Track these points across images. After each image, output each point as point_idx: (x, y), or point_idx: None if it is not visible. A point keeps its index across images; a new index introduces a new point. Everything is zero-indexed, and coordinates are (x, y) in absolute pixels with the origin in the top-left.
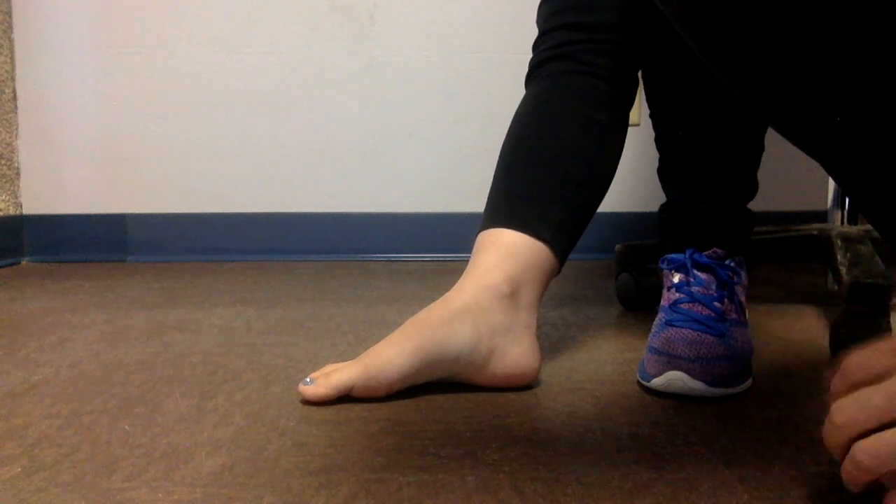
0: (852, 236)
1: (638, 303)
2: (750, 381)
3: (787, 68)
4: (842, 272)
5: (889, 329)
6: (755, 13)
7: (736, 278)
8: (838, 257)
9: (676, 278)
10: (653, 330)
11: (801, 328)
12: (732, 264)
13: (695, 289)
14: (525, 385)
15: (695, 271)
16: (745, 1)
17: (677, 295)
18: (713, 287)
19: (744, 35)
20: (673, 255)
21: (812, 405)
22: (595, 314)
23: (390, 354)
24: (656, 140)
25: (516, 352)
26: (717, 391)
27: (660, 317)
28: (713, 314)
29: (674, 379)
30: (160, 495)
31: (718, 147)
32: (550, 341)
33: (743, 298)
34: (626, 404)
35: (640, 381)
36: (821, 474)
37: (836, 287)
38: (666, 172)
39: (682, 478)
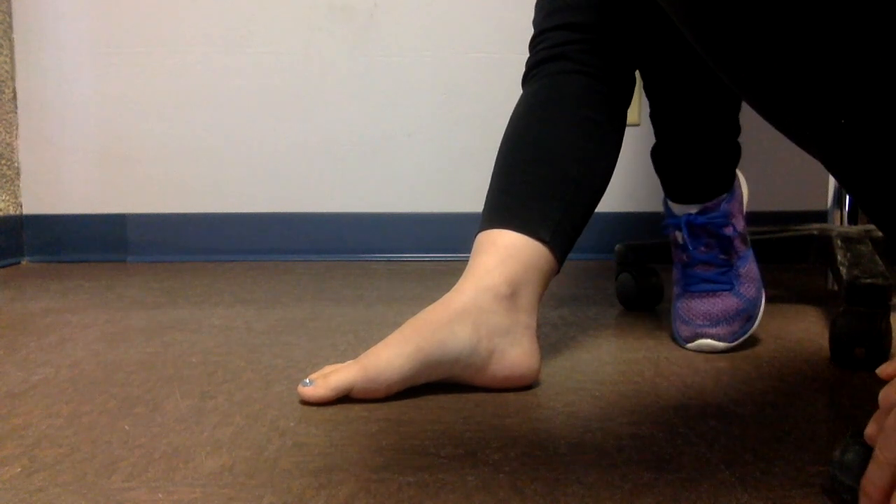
0: (852, 236)
1: (638, 303)
2: (759, 316)
3: (791, 70)
4: (842, 272)
5: (889, 329)
6: (759, 14)
7: (732, 220)
8: (838, 257)
9: (680, 238)
10: (675, 290)
11: (801, 328)
12: (727, 206)
13: (699, 249)
14: (525, 386)
15: (694, 236)
16: (749, 2)
17: (685, 256)
18: (714, 244)
19: (748, 37)
20: (671, 220)
21: (812, 405)
22: (595, 314)
23: (390, 356)
24: (645, 88)
25: (516, 353)
26: (738, 341)
27: (676, 277)
28: (720, 268)
29: (703, 344)
30: (160, 495)
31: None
32: (550, 341)
33: (741, 225)
34: (626, 404)
35: (675, 341)
36: (821, 474)
37: (836, 287)
38: (658, 116)
39: (682, 478)
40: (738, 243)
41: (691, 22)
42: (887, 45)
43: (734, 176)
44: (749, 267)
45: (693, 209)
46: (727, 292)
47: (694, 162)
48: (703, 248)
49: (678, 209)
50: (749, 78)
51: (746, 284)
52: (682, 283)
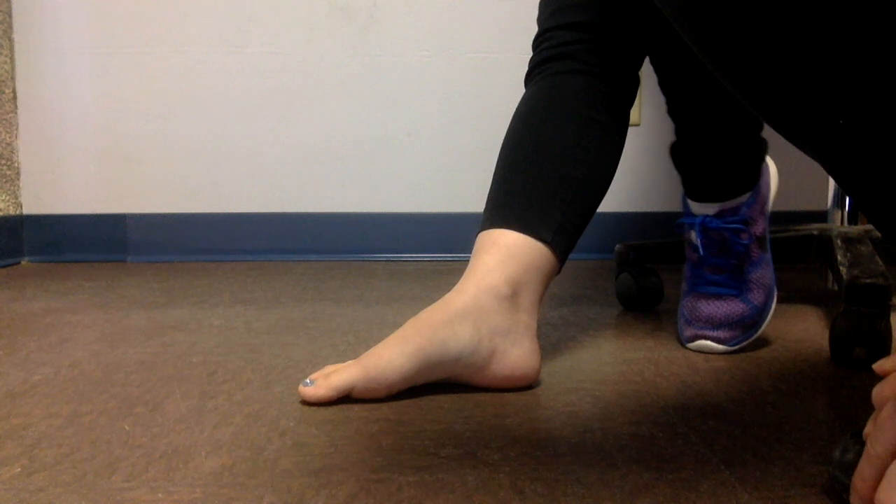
0: (852, 236)
1: (638, 303)
2: (768, 319)
3: (789, 71)
4: (842, 272)
5: (889, 329)
6: (756, 15)
7: (751, 226)
8: (838, 257)
9: (693, 237)
10: (683, 287)
11: (801, 328)
12: (746, 211)
13: (711, 251)
14: (525, 386)
15: (707, 239)
16: (746, 3)
17: (695, 255)
18: (727, 248)
19: (745, 38)
20: (687, 219)
21: (812, 405)
22: (595, 314)
23: (390, 356)
24: (660, 83)
25: (516, 353)
26: (739, 346)
27: (685, 274)
28: (730, 272)
29: (703, 345)
30: (160, 495)
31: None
32: (550, 341)
33: (760, 229)
34: (626, 404)
35: (679, 339)
36: (820, 474)
37: (836, 287)
38: (675, 111)
39: (682, 478)
40: (753, 249)
41: (686, 22)
42: (886, 45)
43: (758, 174)
44: (762, 273)
45: (712, 210)
46: (734, 297)
47: (714, 157)
48: (714, 251)
49: (697, 208)
50: (746, 78)
51: (755, 291)
52: (690, 282)
